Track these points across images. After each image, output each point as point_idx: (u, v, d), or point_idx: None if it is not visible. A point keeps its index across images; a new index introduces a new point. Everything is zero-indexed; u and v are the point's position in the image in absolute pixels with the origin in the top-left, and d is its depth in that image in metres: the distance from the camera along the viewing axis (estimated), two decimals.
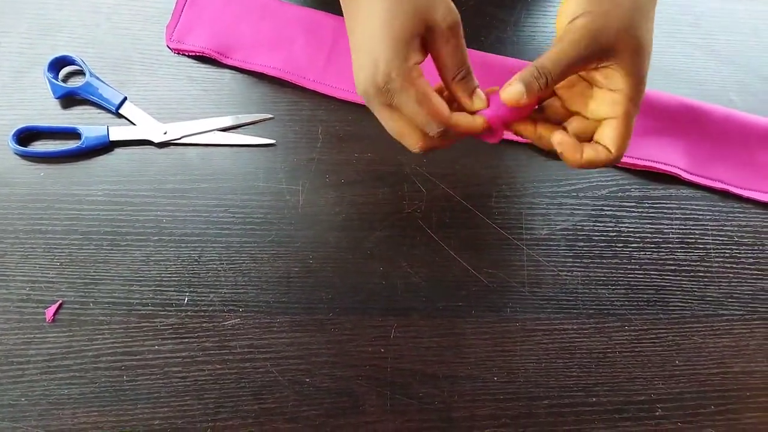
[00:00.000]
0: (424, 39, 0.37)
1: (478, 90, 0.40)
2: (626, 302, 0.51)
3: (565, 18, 0.38)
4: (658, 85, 0.57)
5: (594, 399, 0.48)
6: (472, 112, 0.40)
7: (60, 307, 0.48)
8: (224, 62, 0.55)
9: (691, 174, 0.54)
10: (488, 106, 0.40)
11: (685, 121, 0.55)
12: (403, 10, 0.36)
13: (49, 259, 0.49)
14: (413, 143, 0.40)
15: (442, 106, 0.38)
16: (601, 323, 0.50)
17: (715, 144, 0.55)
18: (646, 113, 0.55)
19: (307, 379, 0.47)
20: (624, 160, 0.53)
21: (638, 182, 0.54)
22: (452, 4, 0.38)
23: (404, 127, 0.40)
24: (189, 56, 0.56)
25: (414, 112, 0.38)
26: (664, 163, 0.54)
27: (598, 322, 0.50)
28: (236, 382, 0.47)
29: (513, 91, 0.38)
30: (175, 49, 0.55)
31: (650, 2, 0.39)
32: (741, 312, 0.51)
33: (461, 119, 0.39)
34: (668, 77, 0.58)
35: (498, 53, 0.57)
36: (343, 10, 0.40)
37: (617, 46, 0.37)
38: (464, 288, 0.50)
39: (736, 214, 0.54)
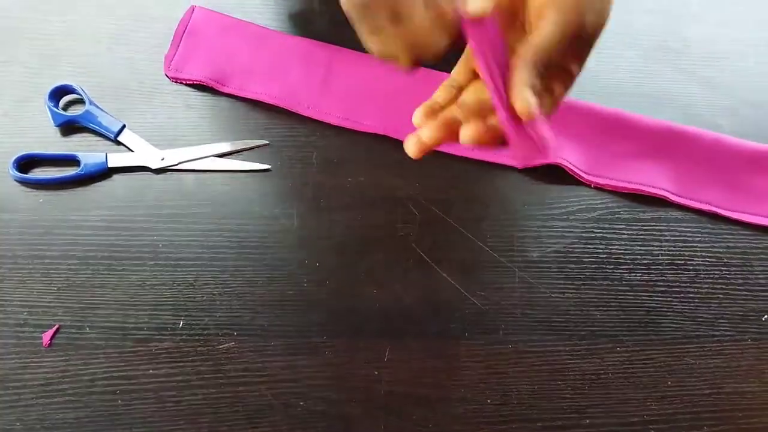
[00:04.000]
0: None
1: None
2: (618, 324, 0.51)
3: None
4: (646, 110, 0.58)
5: (587, 421, 0.48)
6: None
7: (57, 331, 0.48)
8: (221, 90, 0.57)
9: (679, 197, 0.55)
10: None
11: (673, 145, 0.56)
12: None
13: (47, 283, 0.49)
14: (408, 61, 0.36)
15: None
16: (594, 345, 0.50)
17: (703, 167, 0.56)
18: (634, 137, 0.56)
19: (301, 403, 0.47)
20: (613, 183, 0.55)
21: (628, 205, 0.55)
22: None
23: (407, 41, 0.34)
24: (187, 85, 0.57)
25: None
26: (653, 186, 0.55)
27: (590, 344, 0.50)
28: (230, 406, 0.47)
29: (525, 97, 0.32)
30: (173, 78, 0.57)
31: None
32: (731, 333, 0.51)
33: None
34: (656, 102, 0.59)
35: None
36: None
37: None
38: (457, 310, 0.51)
39: (725, 236, 0.54)
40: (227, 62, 0.57)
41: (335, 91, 0.57)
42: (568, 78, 0.37)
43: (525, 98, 0.32)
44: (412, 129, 0.56)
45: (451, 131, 0.36)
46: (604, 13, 0.36)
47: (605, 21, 0.36)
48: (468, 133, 0.35)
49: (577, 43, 0.35)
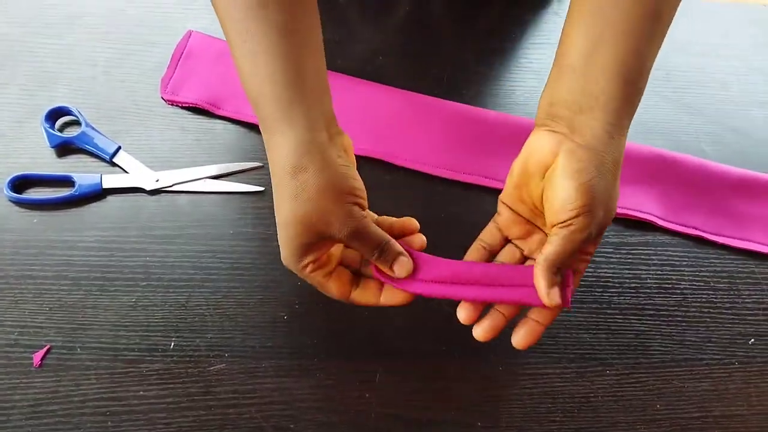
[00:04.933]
0: (325, 241, 0.39)
1: (401, 258, 0.40)
2: (607, 347, 0.51)
3: (562, 191, 0.38)
4: (633, 137, 0.58)
5: None
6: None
7: (47, 352, 0.48)
8: (216, 113, 0.57)
9: (666, 221, 0.56)
10: (411, 270, 0.41)
11: (659, 171, 0.58)
12: (296, 222, 0.38)
13: (39, 304, 0.49)
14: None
15: (338, 288, 0.41)
16: (583, 368, 0.51)
17: (689, 192, 0.57)
18: (622, 163, 0.57)
19: (292, 426, 0.47)
20: None
21: (615, 229, 0.56)
22: (354, 209, 0.39)
23: None
24: (182, 107, 0.58)
25: (320, 290, 0.42)
26: (641, 211, 0.56)
27: (579, 367, 0.51)
28: (220, 428, 0.47)
29: (554, 298, 0.38)
30: (169, 101, 0.58)
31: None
32: (719, 356, 0.52)
33: (360, 299, 0.42)
34: (643, 129, 0.61)
35: (478, 106, 0.59)
36: None
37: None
38: (449, 332, 0.51)
39: (711, 260, 0.55)
40: (222, 86, 0.58)
41: None
42: (585, 255, 0.42)
43: (552, 299, 0.38)
44: (404, 152, 0.57)
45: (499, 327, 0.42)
46: (609, 216, 0.39)
47: (611, 220, 0.40)
48: (518, 340, 0.42)
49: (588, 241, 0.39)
